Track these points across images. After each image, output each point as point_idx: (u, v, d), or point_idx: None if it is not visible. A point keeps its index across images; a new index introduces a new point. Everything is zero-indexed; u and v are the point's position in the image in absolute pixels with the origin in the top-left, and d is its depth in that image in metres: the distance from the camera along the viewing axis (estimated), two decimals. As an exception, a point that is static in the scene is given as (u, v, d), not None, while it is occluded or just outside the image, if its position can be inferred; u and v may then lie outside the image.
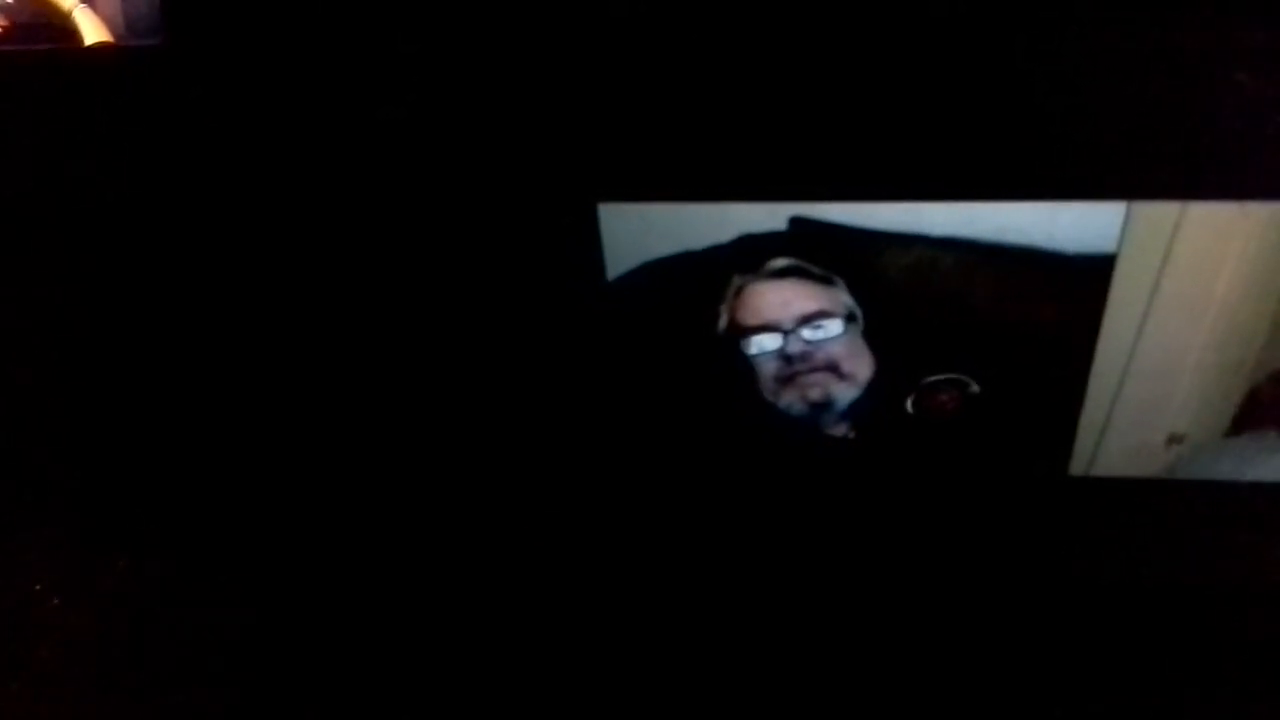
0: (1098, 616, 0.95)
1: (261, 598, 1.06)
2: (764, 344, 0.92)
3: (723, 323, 0.92)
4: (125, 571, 1.09)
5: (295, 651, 1.01)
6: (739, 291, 0.91)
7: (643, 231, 0.89)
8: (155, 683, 0.99)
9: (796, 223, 0.87)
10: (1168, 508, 0.95)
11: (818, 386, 0.94)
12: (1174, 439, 0.92)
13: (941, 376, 0.92)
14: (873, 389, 0.94)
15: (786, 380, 0.94)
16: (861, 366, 0.93)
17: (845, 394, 0.94)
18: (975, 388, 0.92)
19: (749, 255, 0.89)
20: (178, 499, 1.10)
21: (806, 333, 0.91)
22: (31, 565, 1.10)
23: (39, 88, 0.90)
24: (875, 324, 0.91)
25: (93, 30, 1.00)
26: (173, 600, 1.06)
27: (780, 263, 0.89)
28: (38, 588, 1.08)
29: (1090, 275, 0.85)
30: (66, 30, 1.00)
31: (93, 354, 1.04)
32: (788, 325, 0.92)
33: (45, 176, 0.95)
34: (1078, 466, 0.95)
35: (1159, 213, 0.81)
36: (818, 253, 0.88)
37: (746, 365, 0.94)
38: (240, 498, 1.09)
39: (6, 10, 1.04)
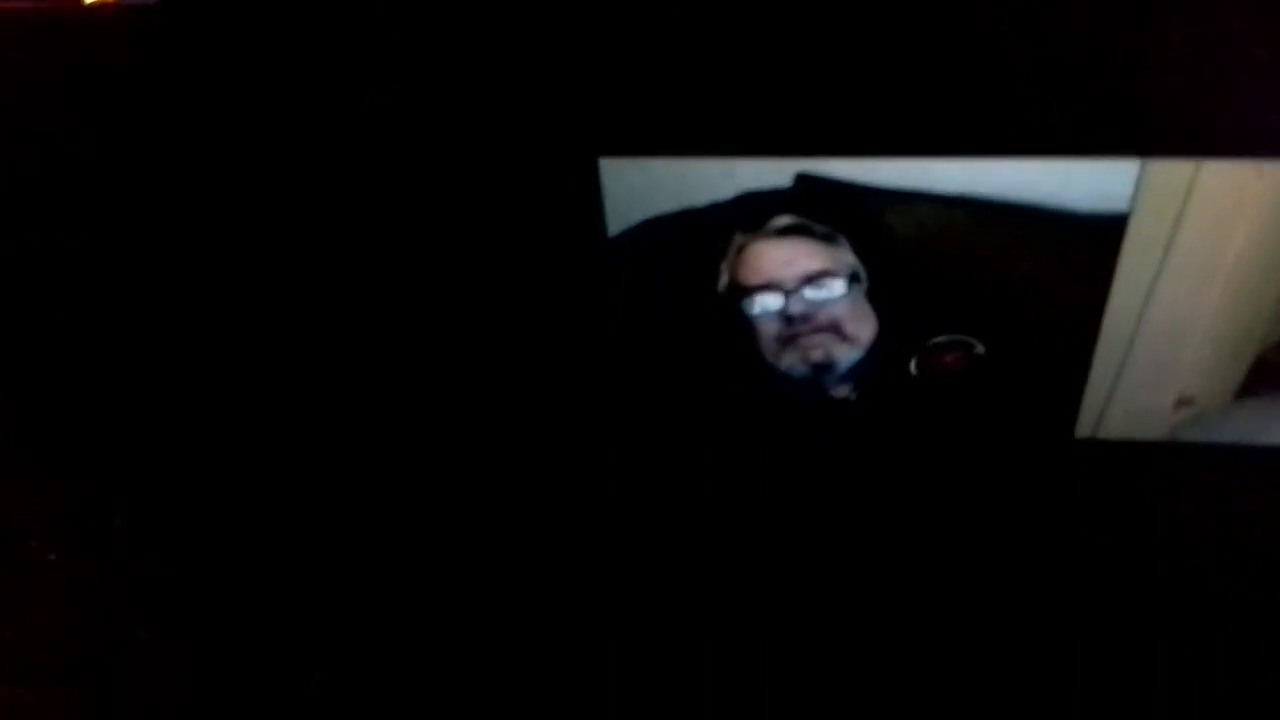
0: (1102, 581, 0.95)
1: (261, 553, 1.06)
2: (765, 303, 0.91)
3: (723, 281, 0.91)
4: (123, 529, 1.09)
5: (291, 608, 1.01)
6: (741, 250, 0.89)
7: (645, 187, 0.87)
8: (152, 638, 1.00)
9: (802, 179, 0.85)
10: (1175, 472, 0.94)
11: (819, 348, 0.92)
12: (1183, 401, 0.91)
13: (946, 338, 0.91)
14: (876, 350, 0.92)
15: (787, 341, 0.92)
16: (864, 327, 0.91)
17: (847, 356, 0.93)
18: (980, 349, 0.91)
19: (751, 213, 0.87)
20: (176, 458, 1.09)
21: (809, 292, 0.90)
22: (29, 522, 1.09)
23: (36, 44, 0.89)
24: (879, 284, 0.89)
25: (91, -13, 0.98)
26: (170, 559, 1.06)
27: (783, 221, 0.87)
28: (35, 545, 1.08)
29: (1101, 235, 0.83)
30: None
31: (86, 312, 1.03)
32: (790, 285, 0.90)
33: (39, 134, 0.93)
34: (1084, 429, 0.94)
35: (1174, 171, 0.80)
36: (823, 210, 0.86)
37: (747, 325, 0.92)
38: (239, 457, 1.08)
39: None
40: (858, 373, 0.94)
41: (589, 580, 1.00)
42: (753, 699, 0.92)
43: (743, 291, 0.91)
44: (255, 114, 0.88)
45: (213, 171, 0.91)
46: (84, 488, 1.11)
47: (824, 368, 0.94)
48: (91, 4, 0.96)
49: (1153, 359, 0.89)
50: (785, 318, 0.91)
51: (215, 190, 0.93)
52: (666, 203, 0.88)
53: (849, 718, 0.91)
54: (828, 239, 0.88)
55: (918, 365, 0.93)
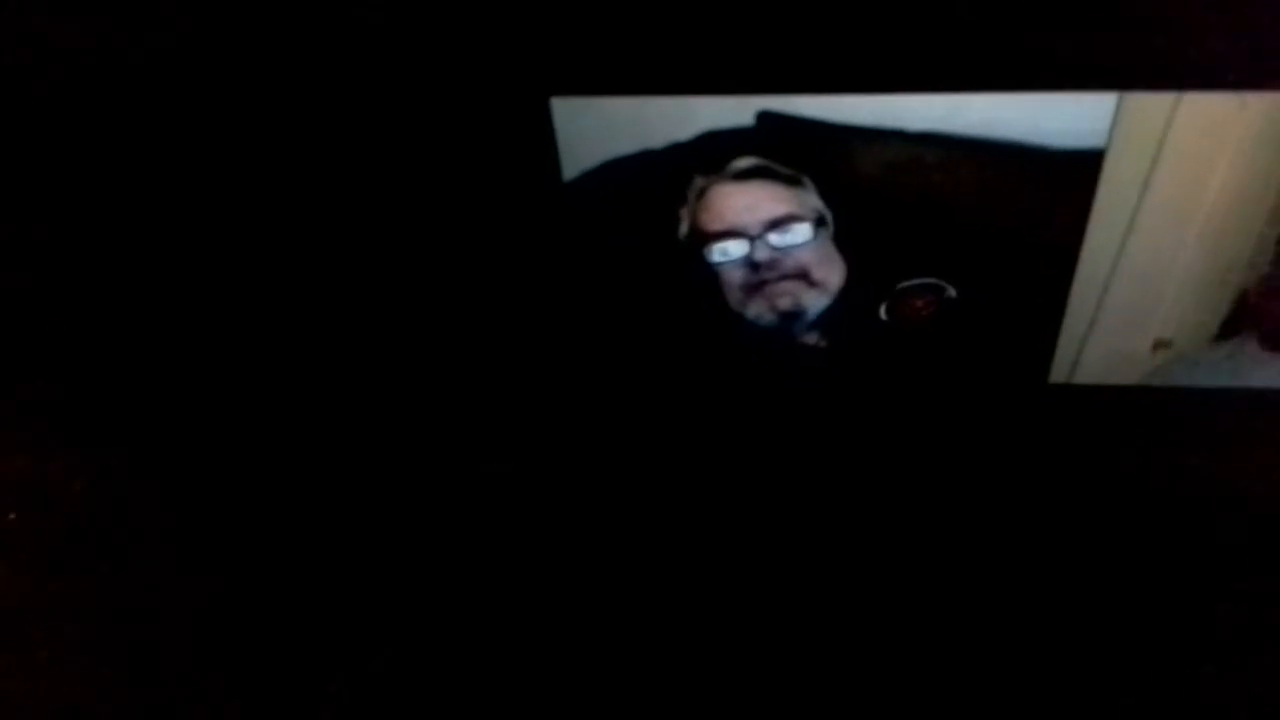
0: (1077, 526, 0.94)
1: (220, 515, 1.04)
2: (729, 251, 0.88)
3: (684, 228, 0.88)
4: (84, 489, 1.07)
5: (253, 570, 0.99)
6: (701, 194, 0.86)
7: (601, 128, 0.84)
8: (111, 597, 0.99)
9: (765, 118, 0.82)
10: (1152, 416, 0.93)
11: (787, 295, 0.90)
12: (1160, 344, 0.90)
13: (917, 281, 0.88)
14: (845, 296, 0.90)
15: (753, 289, 0.90)
16: (833, 273, 0.89)
17: (816, 302, 0.90)
18: (952, 292, 0.88)
19: (712, 154, 0.84)
20: (137, 418, 1.07)
21: (774, 238, 0.87)
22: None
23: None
24: (847, 227, 0.86)
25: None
26: (130, 518, 1.05)
27: (745, 163, 0.84)
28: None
29: (1077, 172, 0.81)
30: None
31: (53, 267, 1.00)
32: (754, 230, 0.87)
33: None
34: (1058, 374, 0.92)
35: (1152, 105, 0.77)
36: (786, 150, 0.83)
37: (710, 273, 0.89)
38: (202, 413, 1.06)
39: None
40: (827, 319, 0.91)
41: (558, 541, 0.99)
42: (731, 660, 0.91)
43: (705, 238, 0.88)
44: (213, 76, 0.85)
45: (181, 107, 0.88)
46: (50, 454, 1.09)
47: (792, 315, 0.91)
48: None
49: (1129, 301, 0.87)
50: (750, 265, 0.89)
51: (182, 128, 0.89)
52: (624, 144, 0.84)
53: (829, 672, 0.91)
54: (792, 181, 0.84)
55: (889, 310, 0.90)
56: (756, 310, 0.91)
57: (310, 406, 1.03)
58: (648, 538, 0.98)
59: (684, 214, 0.87)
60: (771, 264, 0.88)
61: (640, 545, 0.97)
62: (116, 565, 1.01)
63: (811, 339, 0.93)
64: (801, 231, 0.86)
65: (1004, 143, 0.80)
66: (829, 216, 0.86)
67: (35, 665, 0.95)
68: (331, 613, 0.97)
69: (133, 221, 0.95)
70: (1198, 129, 0.77)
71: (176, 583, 1.00)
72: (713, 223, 0.87)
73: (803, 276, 0.89)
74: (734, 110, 0.82)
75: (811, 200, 0.85)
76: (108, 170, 0.92)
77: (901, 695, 0.88)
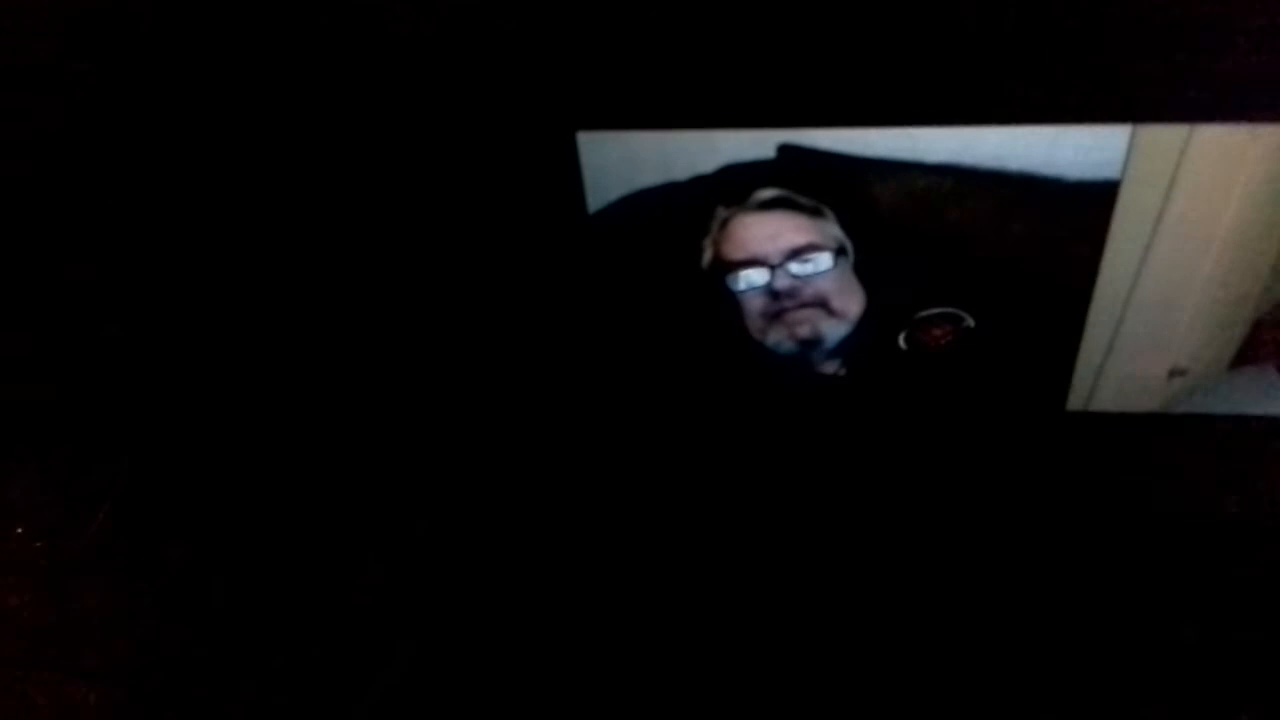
0: (1094, 552, 0.94)
1: (242, 544, 1.05)
2: (750, 279, 0.89)
3: (707, 257, 0.89)
4: (108, 517, 1.08)
5: (275, 600, 1.00)
6: (724, 224, 0.87)
7: (625, 161, 0.86)
8: (136, 625, 0.99)
9: (785, 150, 0.83)
10: (1168, 443, 0.93)
11: (807, 323, 0.91)
12: (1176, 372, 0.90)
13: (935, 311, 0.89)
14: (864, 325, 0.91)
15: (774, 317, 0.91)
16: (852, 302, 0.90)
17: (835, 331, 0.91)
18: (970, 322, 0.89)
19: (734, 186, 0.85)
20: (160, 448, 1.08)
21: (795, 267, 0.88)
22: (14, 509, 1.09)
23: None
24: (866, 256, 0.88)
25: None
26: (154, 547, 1.05)
27: (767, 194, 0.86)
28: (20, 530, 1.07)
29: (1093, 202, 0.82)
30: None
31: (79, 293, 1.02)
32: (775, 260, 0.88)
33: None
34: (1075, 401, 0.93)
35: (1165, 137, 0.78)
36: (807, 182, 0.85)
37: (733, 301, 0.91)
38: (222, 446, 1.07)
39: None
40: (846, 348, 0.92)
41: (577, 560, 1.00)
42: (746, 676, 0.91)
43: (727, 267, 0.89)
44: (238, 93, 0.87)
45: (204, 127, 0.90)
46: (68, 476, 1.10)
47: (812, 343, 0.92)
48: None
49: (1145, 329, 0.88)
50: (771, 293, 0.90)
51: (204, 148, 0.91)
52: (648, 177, 0.86)
53: (853, 696, 0.91)
54: (813, 212, 0.86)
55: (907, 339, 0.91)
56: (776, 338, 0.92)
57: (335, 430, 1.04)
58: (668, 562, 0.98)
59: (707, 244, 0.89)
60: (792, 292, 0.90)
61: (660, 569, 0.98)
62: (139, 589, 1.02)
63: (831, 367, 0.94)
64: (822, 261, 0.88)
65: (1021, 174, 0.81)
66: (849, 246, 0.87)
67: (56, 686, 0.96)
68: (350, 624, 0.97)
69: (173, 253, 0.97)
70: (1211, 160, 0.79)
71: (196, 603, 1.00)
72: (735, 252, 0.89)
73: (822, 305, 0.90)
74: (754, 144, 0.83)
75: (832, 230, 0.87)
76: (148, 194, 0.94)
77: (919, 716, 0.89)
